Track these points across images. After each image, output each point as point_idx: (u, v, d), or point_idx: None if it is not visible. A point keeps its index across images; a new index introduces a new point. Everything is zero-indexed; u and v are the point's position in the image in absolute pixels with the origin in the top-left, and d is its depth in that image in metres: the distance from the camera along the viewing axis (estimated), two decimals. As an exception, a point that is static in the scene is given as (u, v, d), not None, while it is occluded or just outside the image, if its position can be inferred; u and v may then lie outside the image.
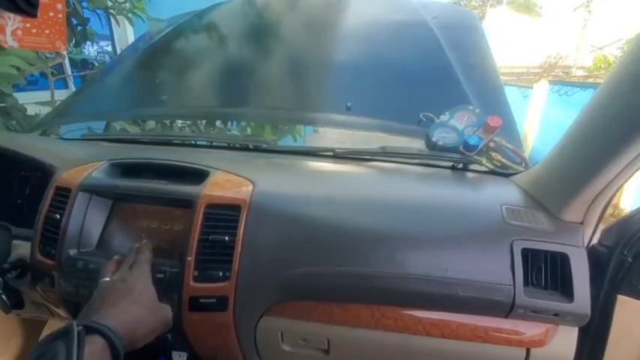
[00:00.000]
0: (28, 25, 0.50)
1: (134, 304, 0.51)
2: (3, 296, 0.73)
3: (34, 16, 0.44)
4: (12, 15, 0.47)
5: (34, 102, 1.89)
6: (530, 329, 0.61)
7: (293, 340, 0.69)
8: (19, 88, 1.78)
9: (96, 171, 0.72)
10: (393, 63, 1.13)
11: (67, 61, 2.65)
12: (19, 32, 0.49)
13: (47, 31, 0.51)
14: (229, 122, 2.19)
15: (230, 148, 1.05)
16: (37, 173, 0.85)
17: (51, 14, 0.50)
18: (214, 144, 1.10)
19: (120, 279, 0.54)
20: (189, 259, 0.61)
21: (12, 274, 0.72)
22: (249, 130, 2.31)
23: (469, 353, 0.64)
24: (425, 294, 0.60)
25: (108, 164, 0.74)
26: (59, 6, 0.50)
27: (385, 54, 1.17)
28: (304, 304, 0.65)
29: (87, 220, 0.68)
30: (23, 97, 1.74)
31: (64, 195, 0.69)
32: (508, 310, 0.58)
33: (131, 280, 0.54)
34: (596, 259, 0.60)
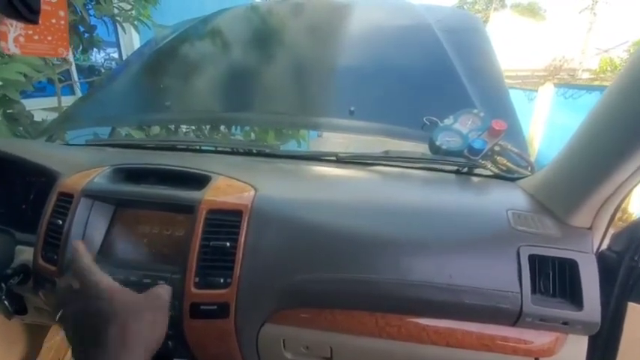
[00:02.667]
0: (30, 32, 0.50)
1: (109, 329, 0.44)
2: (5, 302, 0.72)
3: (36, 22, 0.44)
4: (14, 22, 0.48)
5: (41, 108, 1.91)
6: (538, 338, 0.59)
7: (295, 347, 0.68)
8: (26, 95, 1.80)
9: (98, 176, 0.72)
10: (396, 67, 1.13)
11: (73, 68, 2.69)
12: (21, 39, 0.50)
13: (49, 38, 0.51)
14: (233, 127, 2.20)
15: (233, 153, 1.05)
16: (42, 179, 0.85)
17: (53, 21, 0.50)
18: (218, 149, 1.10)
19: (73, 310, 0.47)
20: (191, 265, 0.61)
21: (15, 280, 0.72)
22: (252, 135, 2.32)
23: None
24: (429, 301, 0.58)
25: (110, 170, 0.74)
26: (61, 13, 0.50)
27: (389, 58, 1.17)
28: (307, 311, 0.64)
29: (89, 225, 0.68)
30: (30, 104, 1.76)
31: (66, 200, 0.69)
32: (515, 318, 0.57)
33: (86, 304, 0.46)
34: (606, 265, 0.58)
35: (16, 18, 0.44)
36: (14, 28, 0.48)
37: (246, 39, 1.46)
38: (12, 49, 0.49)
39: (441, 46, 1.14)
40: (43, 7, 0.46)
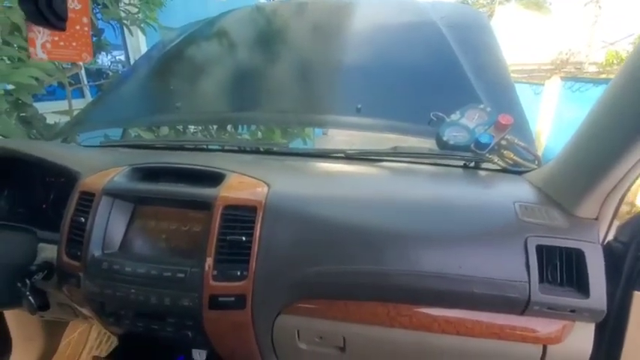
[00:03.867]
0: (56, 38, 0.53)
1: None
2: (30, 298, 0.75)
3: (63, 29, 0.47)
4: (42, 29, 0.50)
5: (52, 111, 1.96)
6: (546, 326, 0.61)
7: (309, 338, 0.70)
8: (38, 99, 1.84)
9: (118, 176, 0.74)
10: (402, 64, 1.14)
11: (83, 72, 2.74)
12: (48, 45, 0.52)
13: (74, 44, 0.54)
14: (240, 127, 2.23)
15: (242, 151, 1.07)
16: (61, 179, 0.88)
17: (77, 27, 0.53)
18: (226, 147, 1.12)
19: None
20: (209, 259, 0.63)
21: (39, 276, 0.75)
22: (259, 134, 2.34)
23: (485, 350, 0.64)
24: (439, 291, 0.60)
25: (129, 169, 0.77)
26: (85, 19, 0.53)
27: (394, 55, 1.18)
28: (320, 302, 0.66)
29: (110, 222, 0.70)
30: (42, 107, 1.80)
31: (88, 199, 0.72)
32: (523, 307, 0.58)
33: None
34: (612, 255, 0.60)
35: (44, 25, 0.46)
36: (42, 35, 0.51)
37: (253, 39, 1.48)
38: (40, 54, 0.51)
39: (447, 42, 1.14)
40: (69, 14, 0.49)
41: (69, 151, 0.96)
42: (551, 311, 0.58)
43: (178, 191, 0.70)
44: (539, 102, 6.94)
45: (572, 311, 0.57)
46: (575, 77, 6.41)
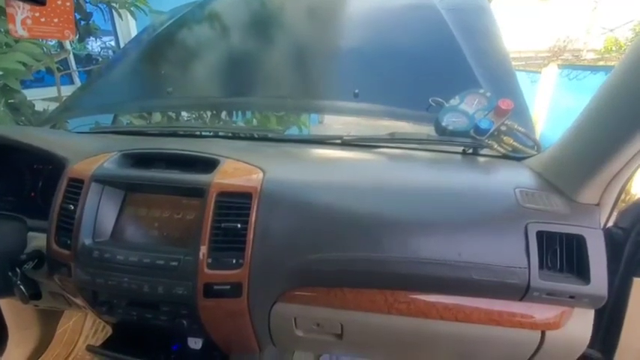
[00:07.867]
0: (37, 14, 0.50)
1: None
2: (21, 287, 0.74)
3: (43, 4, 0.44)
4: (21, 4, 0.47)
5: (41, 98, 1.90)
6: (545, 312, 0.60)
7: (306, 325, 0.70)
8: (26, 85, 1.79)
9: (107, 162, 0.72)
10: (400, 48, 1.12)
11: (71, 57, 2.67)
12: (29, 21, 0.49)
13: (56, 20, 0.51)
14: (235, 114, 2.19)
15: (236, 137, 1.05)
16: (49, 166, 0.86)
17: (59, 3, 0.50)
18: (220, 134, 1.10)
19: None
20: (203, 247, 0.62)
21: (29, 265, 0.74)
22: (254, 122, 2.31)
23: (483, 336, 0.64)
24: (438, 278, 0.60)
25: (119, 155, 0.74)
26: (66, -6, 0.50)
27: (392, 39, 1.15)
28: (317, 289, 0.66)
29: (100, 210, 0.68)
30: (31, 94, 1.75)
31: (77, 186, 0.70)
32: (523, 293, 0.58)
33: None
34: (612, 241, 0.59)
35: (23, 0, 0.43)
36: (21, 11, 0.48)
37: (246, 22, 1.44)
38: (20, 31, 0.48)
39: (446, 25, 1.12)
40: (49, -12, 0.46)
41: (57, 136, 0.93)
42: (551, 297, 0.58)
43: (171, 178, 0.68)
44: (536, 90, 6.91)
45: (572, 297, 0.57)
46: (573, 65, 6.38)
